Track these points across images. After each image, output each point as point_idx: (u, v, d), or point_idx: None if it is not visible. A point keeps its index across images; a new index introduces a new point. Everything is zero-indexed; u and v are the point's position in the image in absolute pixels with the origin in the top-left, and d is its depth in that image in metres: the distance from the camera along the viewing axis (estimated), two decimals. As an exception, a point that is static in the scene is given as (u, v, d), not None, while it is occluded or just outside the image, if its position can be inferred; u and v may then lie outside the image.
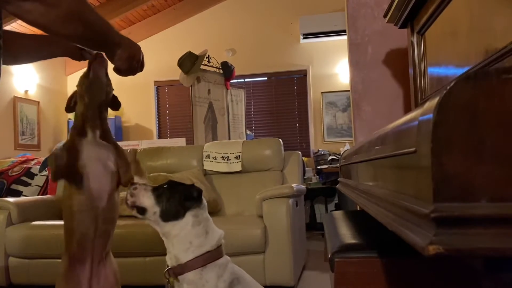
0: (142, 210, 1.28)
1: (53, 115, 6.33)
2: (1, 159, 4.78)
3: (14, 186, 4.28)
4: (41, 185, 4.36)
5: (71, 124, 6.29)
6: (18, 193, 4.20)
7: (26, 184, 4.33)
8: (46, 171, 4.36)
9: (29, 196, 4.07)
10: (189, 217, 1.27)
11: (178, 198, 1.29)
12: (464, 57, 1.10)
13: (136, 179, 1.44)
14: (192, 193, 1.31)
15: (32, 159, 4.68)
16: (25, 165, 4.49)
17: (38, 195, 4.20)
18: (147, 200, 1.28)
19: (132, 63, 1.29)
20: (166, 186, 1.30)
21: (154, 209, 1.27)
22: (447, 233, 0.47)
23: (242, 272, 1.36)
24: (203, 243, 1.26)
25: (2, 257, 2.99)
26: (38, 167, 4.45)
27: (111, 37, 1.23)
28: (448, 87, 0.47)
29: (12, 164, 4.51)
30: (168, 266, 1.29)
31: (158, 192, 1.29)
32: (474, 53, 1.02)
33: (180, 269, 1.25)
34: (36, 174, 4.39)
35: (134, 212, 1.30)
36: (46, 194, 4.19)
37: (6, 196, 3.90)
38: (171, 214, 1.27)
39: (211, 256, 1.26)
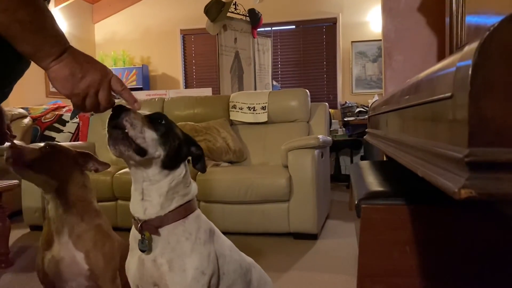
0: (141, 151, 0.96)
1: (81, 63, 6.40)
2: (34, 106, 4.93)
3: (47, 133, 4.44)
4: (72, 131, 4.50)
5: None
6: (51, 139, 4.35)
7: (59, 131, 4.48)
8: (77, 118, 4.48)
9: (61, 142, 4.21)
10: (182, 166, 1.06)
11: (184, 143, 1.07)
12: (507, 4, 1.05)
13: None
14: (193, 141, 1.12)
15: (63, 107, 4.81)
16: (57, 112, 4.62)
17: (70, 141, 4.35)
18: (148, 135, 0.97)
19: (73, 87, 0.82)
20: (163, 122, 1.02)
21: (158, 152, 0.98)
22: (480, 178, 0.47)
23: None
24: (187, 191, 1.07)
25: (39, 200, 3.16)
26: (69, 114, 4.58)
27: (35, 39, 0.77)
28: (491, 28, 0.45)
29: (44, 111, 4.64)
30: (139, 219, 1.04)
31: (160, 130, 1.00)
32: (518, -2, 0.97)
33: (159, 222, 1.02)
34: (68, 121, 4.52)
35: (130, 153, 0.94)
36: (77, 140, 4.34)
37: (40, 142, 4.05)
38: (173, 162, 1.03)
39: (191, 205, 1.08)
